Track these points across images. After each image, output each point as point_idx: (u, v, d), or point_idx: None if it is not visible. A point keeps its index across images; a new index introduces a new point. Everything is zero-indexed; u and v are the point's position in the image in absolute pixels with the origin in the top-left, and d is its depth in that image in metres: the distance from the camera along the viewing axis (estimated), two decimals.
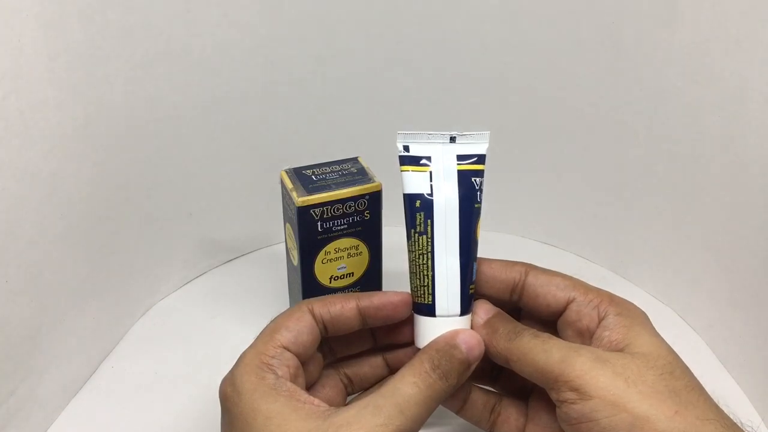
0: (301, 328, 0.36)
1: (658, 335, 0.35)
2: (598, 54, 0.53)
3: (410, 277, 0.38)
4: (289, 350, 0.35)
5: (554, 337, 0.35)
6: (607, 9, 0.51)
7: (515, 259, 0.40)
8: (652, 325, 0.36)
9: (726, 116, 0.46)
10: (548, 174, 0.60)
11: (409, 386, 0.33)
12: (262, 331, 0.37)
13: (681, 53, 0.48)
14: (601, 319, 0.36)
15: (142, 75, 0.48)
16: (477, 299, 0.39)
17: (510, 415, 0.39)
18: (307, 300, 0.38)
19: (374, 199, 0.45)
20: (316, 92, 0.57)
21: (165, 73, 0.49)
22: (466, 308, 0.38)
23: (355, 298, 0.38)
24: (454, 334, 0.37)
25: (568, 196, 0.60)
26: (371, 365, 0.41)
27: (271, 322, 0.37)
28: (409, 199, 0.38)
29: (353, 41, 0.55)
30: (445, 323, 0.37)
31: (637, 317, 0.36)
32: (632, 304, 0.37)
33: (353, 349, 0.41)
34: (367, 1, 0.54)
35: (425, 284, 0.37)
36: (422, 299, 0.38)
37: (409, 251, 0.38)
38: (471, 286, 0.38)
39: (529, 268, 0.39)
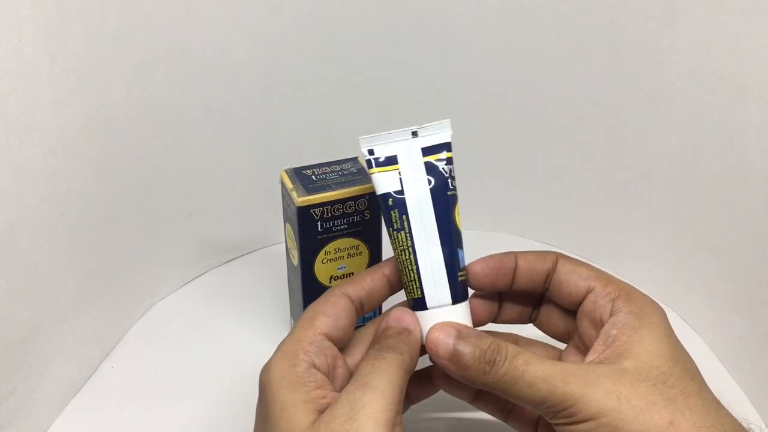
0: (339, 312, 0.36)
1: (665, 339, 0.34)
2: (598, 54, 0.53)
3: (401, 277, 0.38)
4: (329, 338, 0.35)
5: (532, 358, 0.33)
6: (607, 9, 0.51)
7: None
8: (666, 326, 0.35)
9: (726, 116, 0.46)
10: (548, 174, 0.60)
11: (366, 367, 0.33)
12: (299, 320, 0.36)
13: (681, 53, 0.48)
14: (612, 314, 0.35)
15: (142, 75, 0.48)
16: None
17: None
18: (335, 286, 0.38)
19: (374, 199, 0.45)
20: (316, 92, 0.57)
21: (165, 73, 0.49)
22: (457, 296, 0.37)
23: (378, 268, 0.39)
24: (384, 317, 0.37)
25: (568, 196, 0.60)
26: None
27: (307, 310, 0.37)
28: (383, 199, 0.38)
29: (353, 41, 0.55)
30: (438, 314, 0.37)
31: (650, 317, 0.34)
32: (651, 301, 0.36)
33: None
34: (367, 1, 0.54)
35: (412, 279, 0.37)
36: (413, 294, 0.38)
37: (393, 250, 0.38)
38: (460, 273, 0.38)
39: (559, 256, 0.38)
